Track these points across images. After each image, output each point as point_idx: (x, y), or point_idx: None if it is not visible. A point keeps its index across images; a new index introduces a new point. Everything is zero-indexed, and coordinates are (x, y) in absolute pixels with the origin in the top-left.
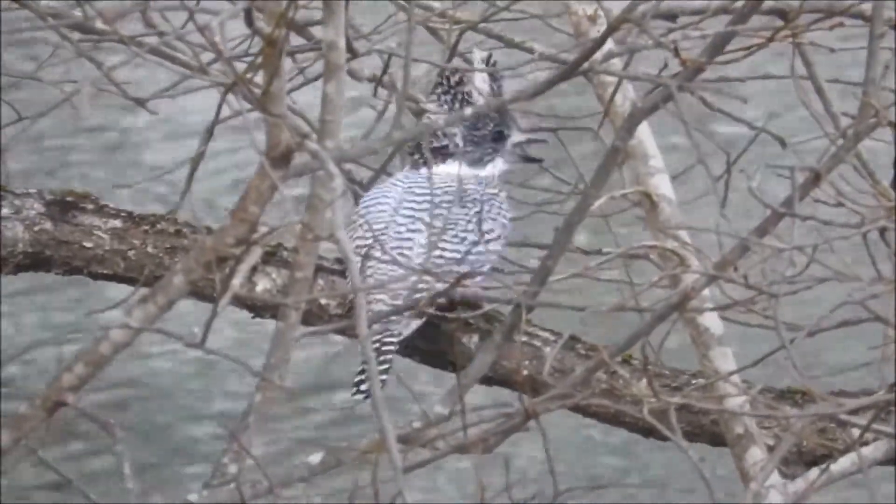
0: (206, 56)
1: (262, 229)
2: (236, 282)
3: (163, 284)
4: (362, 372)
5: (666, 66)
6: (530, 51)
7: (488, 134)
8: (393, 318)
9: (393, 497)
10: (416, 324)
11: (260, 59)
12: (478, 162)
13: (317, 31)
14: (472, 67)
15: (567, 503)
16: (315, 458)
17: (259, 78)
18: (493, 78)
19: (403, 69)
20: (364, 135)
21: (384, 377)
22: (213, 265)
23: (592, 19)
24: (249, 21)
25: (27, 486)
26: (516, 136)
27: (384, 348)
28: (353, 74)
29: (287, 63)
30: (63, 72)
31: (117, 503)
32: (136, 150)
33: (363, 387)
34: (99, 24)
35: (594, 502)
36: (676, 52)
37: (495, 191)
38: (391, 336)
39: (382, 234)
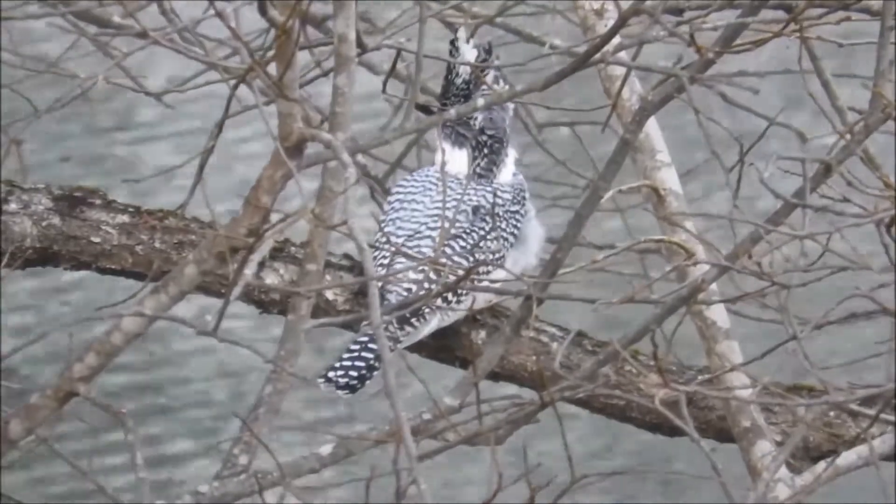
0: (218, 51)
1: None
2: (248, 272)
3: (175, 275)
4: (340, 360)
5: (680, 59)
6: (542, 43)
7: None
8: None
9: (408, 485)
10: (429, 329)
11: (274, 49)
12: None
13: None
14: (490, 63)
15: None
16: (326, 448)
17: (272, 69)
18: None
19: (415, 63)
20: (383, 127)
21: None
22: (227, 255)
23: (599, 14)
24: (263, 10)
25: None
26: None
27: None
28: (371, 68)
29: (304, 56)
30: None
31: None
32: None
33: (332, 374)
34: (115, 18)
35: (606, 501)
36: (693, 41)
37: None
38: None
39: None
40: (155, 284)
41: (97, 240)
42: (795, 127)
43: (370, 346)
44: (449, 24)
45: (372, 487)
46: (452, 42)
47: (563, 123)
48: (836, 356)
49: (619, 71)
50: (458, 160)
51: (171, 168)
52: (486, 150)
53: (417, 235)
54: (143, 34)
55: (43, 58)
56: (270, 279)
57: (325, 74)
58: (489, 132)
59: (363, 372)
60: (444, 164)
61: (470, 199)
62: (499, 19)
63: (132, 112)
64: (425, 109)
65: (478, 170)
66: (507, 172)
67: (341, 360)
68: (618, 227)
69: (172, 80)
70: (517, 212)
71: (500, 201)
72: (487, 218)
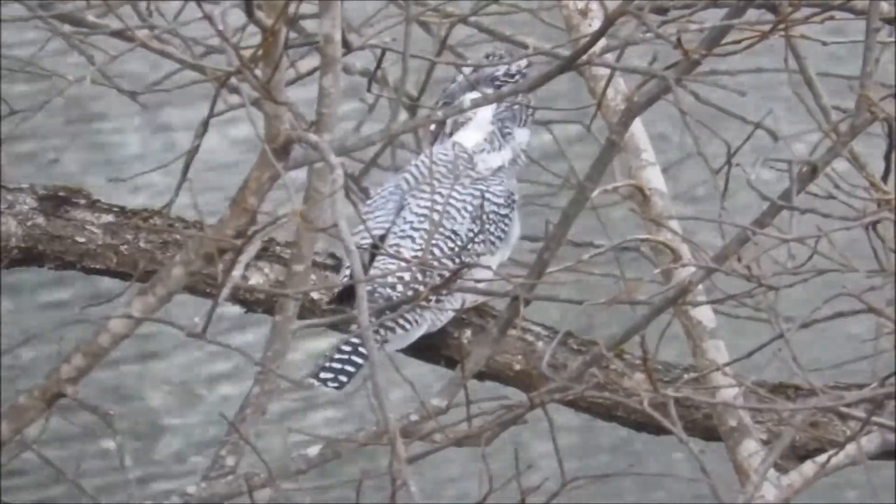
0: (200, 50)
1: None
2: (237, 273)
3: (162, 276)
4: (331, 360)
5: (655, 59)
6: (524, 45)
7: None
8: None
9: (397, 487)
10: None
11: (260, 51)
12: None
13: (307, 24)
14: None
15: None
16: (313, 450)
17: (258, 71)
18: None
19: (401, 64)
20: (356, 127)
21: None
22: (214, 256)
23: (584, 14)
24: (249, 12)
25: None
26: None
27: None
28: (345, 69)
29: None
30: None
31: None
32: None
33: (323, 375)
34: (90, 17)
35: (600, 502)
36: (679, 43)
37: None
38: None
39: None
40: (142, 285)
41: (82, 239)
42: (781, 127)
43: (361, 349)
44: (424, 25)
45: (353, 487)
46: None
47: (541, 123)
48: (822, 355)
49: (604, 70)
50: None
51: (156, 168)
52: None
53: (399, 234)
54: (129, 36)
55: (13, 56)
56: (256, 279)
57: (310, 74)
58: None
59: (352, 374)
60: (431, 169)
61: (465, 203)
62: (472, 18)
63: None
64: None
65: (507, 119)
66: (508, 153)
67: (332, 360)
68: (596, 226)
69: (143, 75)
70: (506, 216)
71: (491, 207)
72: (477, 221)
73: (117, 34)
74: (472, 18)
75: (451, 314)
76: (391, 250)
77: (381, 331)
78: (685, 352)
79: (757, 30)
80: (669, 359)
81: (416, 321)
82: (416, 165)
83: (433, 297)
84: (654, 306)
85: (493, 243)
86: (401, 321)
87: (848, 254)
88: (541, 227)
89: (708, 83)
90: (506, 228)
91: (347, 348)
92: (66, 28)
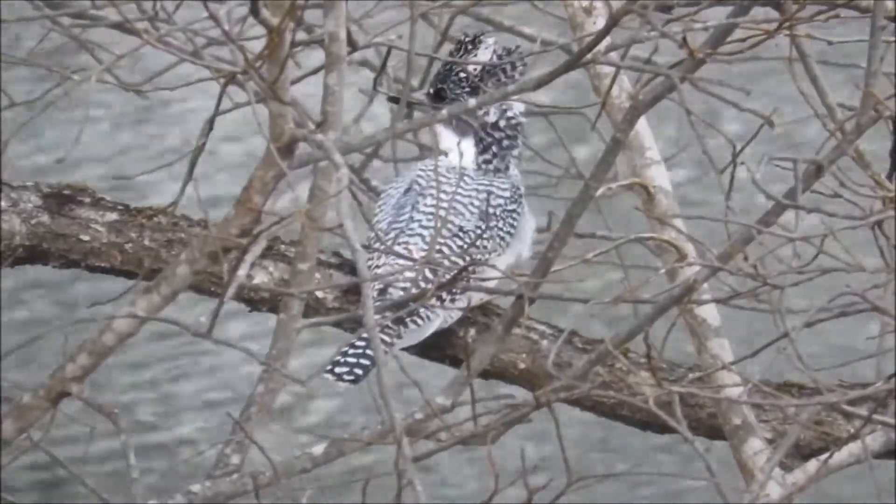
0: (201, 41)
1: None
2: (242, 272)
3: (167, 274)
4: (345, 355)
5: (657, 50)
6: (531, 38)
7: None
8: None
9: (403, 486)
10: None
11: (266, 51)
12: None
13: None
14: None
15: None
16: (318, 449)
17: (263, 70)
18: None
19: (406, 61)
20: (355, 119)
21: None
22: (219, 255)
23: (588, 11)
24: (255, 11)
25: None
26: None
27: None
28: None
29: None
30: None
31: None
32: None
33: (338, 369)
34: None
35: (600, 501)
36: (685, 42)
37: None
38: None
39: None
40: (147, 284)
41: (86, 238)
42: (779, 129)
43: None
44: (424, 16)
45: (357, 486)
46: (473, 41)
47: (542, 112)
48: (825, 354)
49: (609, 69)
50: (465, 151)
51: (162, 165)
52: (502, 144)
53: (408, 231)
54: (129, 29)
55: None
56: (260, 277)
57: (315, 72)
58: (502, 124)
59: (368, 368)
60: (437, 160)
61: (472, 199)
62: (472, 9)
63: None
64: (397, 101)
65: (490, 166)
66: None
67: (346, 355)
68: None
69: (146, 68)
70: (514, 210)
71: (498, 201)
72: (485, 217)
73: (117, 27)
74: (473, 9)
75: (461, 311)
76: (401, 249)
77: (394, 327)
78: (690, 350)
79: (762, 28)
80: (673, 358)
81: (429, 317)
82: (423, 170)
83: (446, 295)
84: (659, 304)
85: (502, 239)
86: (413, 317)
87: (854, 252)
88: (543, 219)
89: (713, 80)
90: (515, 224)
91: (362, 343)
92: (66, 21)
